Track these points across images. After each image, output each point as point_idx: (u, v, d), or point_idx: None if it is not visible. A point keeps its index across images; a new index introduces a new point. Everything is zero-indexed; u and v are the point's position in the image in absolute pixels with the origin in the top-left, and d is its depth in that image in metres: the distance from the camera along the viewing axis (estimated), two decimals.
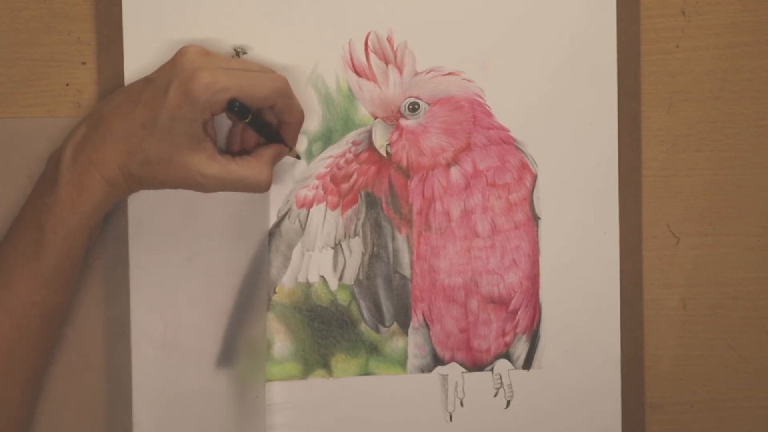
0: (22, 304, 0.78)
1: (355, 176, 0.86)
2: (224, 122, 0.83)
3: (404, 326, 0.87)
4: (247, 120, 0.79)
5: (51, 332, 0.81)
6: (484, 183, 0.87)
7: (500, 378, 0.88)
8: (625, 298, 0.88)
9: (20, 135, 0.84)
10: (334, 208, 0.86)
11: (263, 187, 0.80)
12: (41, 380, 0.83)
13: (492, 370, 0.88)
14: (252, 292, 0.85)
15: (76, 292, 0.83)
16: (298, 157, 0.84)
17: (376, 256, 0.87)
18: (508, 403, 0.88)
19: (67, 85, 0.85)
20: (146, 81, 0.79)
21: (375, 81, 0.85)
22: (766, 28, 0.88)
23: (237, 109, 0.77)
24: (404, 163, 0.86)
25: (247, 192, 0.81)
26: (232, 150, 0.83)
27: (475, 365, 0.88)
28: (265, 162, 0.81)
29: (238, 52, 0.84)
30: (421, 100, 0.86)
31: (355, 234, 0.86)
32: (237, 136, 0.83)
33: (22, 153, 0.84)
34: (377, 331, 0.87)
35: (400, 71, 0.86)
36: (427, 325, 0.87)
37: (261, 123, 0.81)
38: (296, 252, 0.86)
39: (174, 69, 0.77)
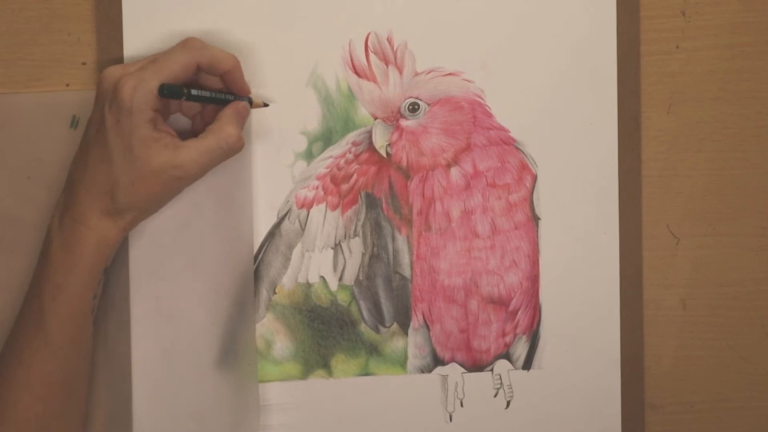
0: (38, 377, 0.78)
1: (355, 177, 0.86)
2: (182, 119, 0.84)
3: (404, 326, 0.87)
4: (185, 97, 0.79)
5: (75, 398, 0.81)
6: (484, 183, 0.87)
7: (500, 378, 0.88)
8: (625, 298, 0.88)
9: (20, 135, 0.84)
10: (334, 208, 0.86)
11: (234, 144, 0.79)
12: None
13: (492, 370, 0.88)
14: (243, 294, 0.85)
15: (94, 352, 0.83)
16: (265, 104, 0.84)
17: (376, 257, 0.87)
18: (508, 403, 0.88)
19: (67, 85, 0.85)
20: (88, 123, 0.80)
21: (375, 81, 0.85)
22: (766, 28, 0.88)
23: (167, 92, 0.77)
24: (404, 163, 0.86)
25: (226, 158, 0.80)
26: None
27: (475, 365, 0.88)
28: (226, 122, 0.80)
29: None
30: (421, 100, 0.86)
31: (355, 234, 0.86)
32: (199, 121, 0.83)
33: (22, 153, 0.84)
34: (377, 331, 0.87)
35: (400, 72, 0.85)
36: (427, 326, 0.87)
37: (201, 92, 0.80)
38: (296, 252, 0.86)
39: (100, 96, 0.78)
